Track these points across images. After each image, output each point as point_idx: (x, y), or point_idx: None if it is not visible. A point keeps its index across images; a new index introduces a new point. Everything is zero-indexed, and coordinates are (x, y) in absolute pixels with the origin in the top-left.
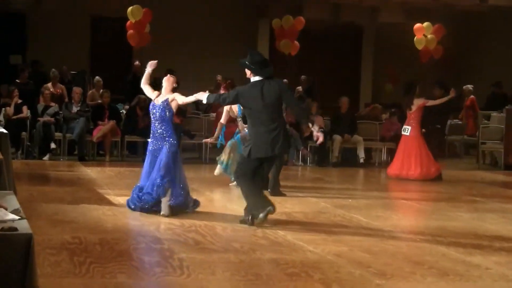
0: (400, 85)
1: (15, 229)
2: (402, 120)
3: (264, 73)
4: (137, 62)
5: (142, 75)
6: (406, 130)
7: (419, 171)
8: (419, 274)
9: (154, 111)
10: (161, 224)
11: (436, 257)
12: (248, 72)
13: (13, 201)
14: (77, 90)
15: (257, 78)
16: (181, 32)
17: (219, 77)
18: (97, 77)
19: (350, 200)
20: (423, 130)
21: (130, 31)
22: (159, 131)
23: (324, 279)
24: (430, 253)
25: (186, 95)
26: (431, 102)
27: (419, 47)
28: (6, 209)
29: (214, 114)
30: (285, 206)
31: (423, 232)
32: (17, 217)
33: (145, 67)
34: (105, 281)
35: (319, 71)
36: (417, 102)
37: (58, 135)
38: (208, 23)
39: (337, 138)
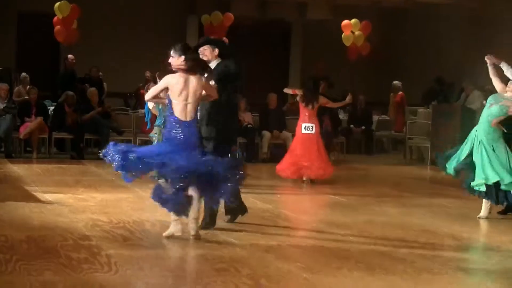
0: (305, 80)
1: None
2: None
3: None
4: (70, 56)
5: (74, 70)
6: (311, 128)
7: (322, 170)
8: (346, 269)
9: None
10: (89, 221)
11: (363, 251)
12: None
13: None
14: (3, 86)
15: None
16: (110, 29)
17: (147, 74)
18: (23, 74)
19: (278, 196)
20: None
21: (58, 27)
22: None
23: (252, 274)
24: (358, 248)
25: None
26: (331, 104)
27: (347, 43)
28: None
29: (142, 111)
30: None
31: (351, 227)
32: None
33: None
34: (31, 278)
35: (247, 67)
36: (321, 101)
37: None
38: (137, 19)
39: (266, 134)
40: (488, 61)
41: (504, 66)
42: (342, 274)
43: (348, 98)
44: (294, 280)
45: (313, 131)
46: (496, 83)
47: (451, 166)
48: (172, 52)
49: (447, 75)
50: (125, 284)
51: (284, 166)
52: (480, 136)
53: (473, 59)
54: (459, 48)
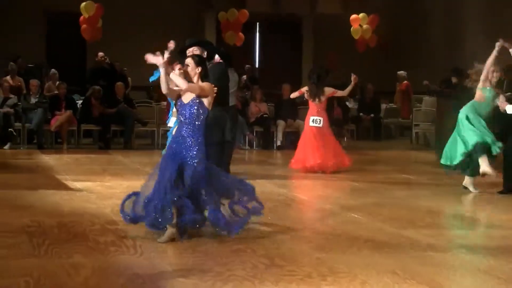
0: (309, 74)
1: None
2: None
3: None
4: (100, 53)
5: (104, 65)
6: (319, 122)
7: (333, 161)
8: (356, 248)
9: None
10: (115, 207)
11: (372, 231)
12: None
13: None
14: (34, 82)
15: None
16: (131, 26)
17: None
18: (53, 70)
19: (293, 181)
20: None
21: (84, 26)
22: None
23: (268, 254)
24: (367, 228)
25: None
26: (339, 93)
27: (356, 36)
28: None
29: (165, 103)
30: None
31: (360, 209)
32: None
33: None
34: (62, 261)
35: (262, 60)
36: (327, 92)
37: (17, 125)
38: (157, 16)
39: (281, 123)
40: (498, 45)
41: None
42: (352, 253)
43: (353, 78)
44: (307, 259)
45: (321, 124)
46: (485, 71)
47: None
48: (188, 61)
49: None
50: (149, 265)
51: (295, 160)
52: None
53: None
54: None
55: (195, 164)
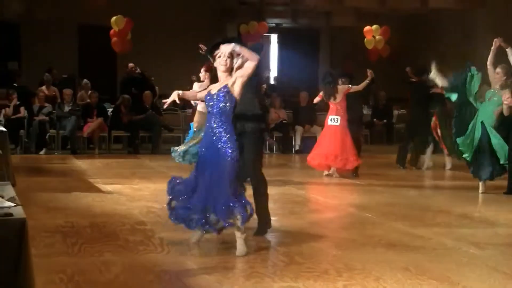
0: (322, 77)
1: (11, 214)
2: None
3: None
4: (131, 64)
5: (134, 75)
6: (336, 120)
7: (351, 161)
8: (370, 246)
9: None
10: (144, 208)
11: (386, 230)
12: None
13: (9, 191)
14: (67, 91)
15: None
16: (158, 39)
17: (193, 77)
18: (85, 80)
19: (310, 183)
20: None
21: (114, 39)
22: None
23: (288, 252)
24: (381, 227)
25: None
26: (354, 88)
27: (369, 47)
28: (2, 197)
29: (190, 110)
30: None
31: (374, 209)
32: (12, 204)
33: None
34: (94, 259)
35: (280, 70)
36: (342, 90)
37: (52, 132)
38: (182, 28)
39: (299, 128)
40: (495, 44)
41: (509, 51)
42: (366, 250)
43: (369, 73)
44: (324, 257)
45: (338, 123)
46: (491, 71)
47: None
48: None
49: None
50: (176, 262)
51: (312, 157)
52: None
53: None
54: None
55: (228, 153)
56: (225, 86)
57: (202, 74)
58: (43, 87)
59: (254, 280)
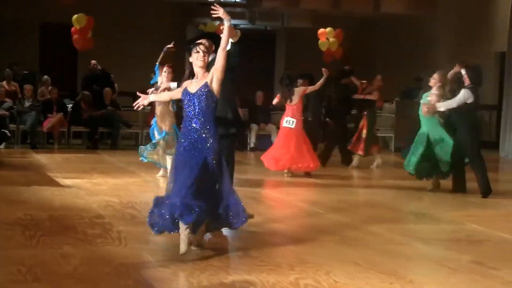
0: (280, 79)
1: None
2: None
3: None
4: (93, 61)
5: (96, 72)
6: (291, 123)
7: (307, 164)
8: (323, 241)
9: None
10: (102, 202)
11: (338, 226)
12: None
13: None
14: (28, 87)
15: None
16: (119, 36)
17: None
18: (45, 76)
19: (265, 180)
20: (327, 119)
21: (75, 36)
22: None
23: (242, 246)
24: (333, 223)
25: (124, 91)
26: (310, 88)
27: (323, 49)
28: None
29: (149, 107)
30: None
31: (327, 205)
32: None
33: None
34: (53, 251)
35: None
36: (298, 92)
37: (12, 126)
38: (143, 28)
39: (254, 126)
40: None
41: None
42: (319, 245)
43: (324, 71)
44: (278, 251)
45: (293, 126)
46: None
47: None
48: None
49: (410, 75)
50: (133, 255)
51: (266, 157)
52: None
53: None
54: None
55: (211, 156)
56: (205, 85)
57: (165, 73)
58: (4, 82)
59: (208, 273)
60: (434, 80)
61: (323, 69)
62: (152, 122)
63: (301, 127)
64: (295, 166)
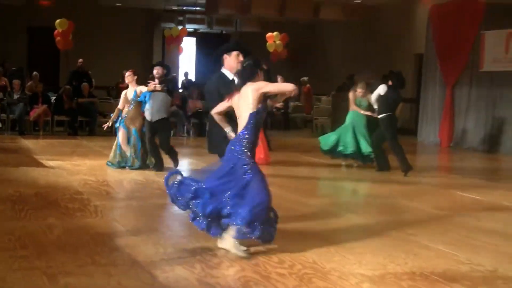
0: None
1: None
2: None
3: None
4: (80, 60)
5: (83, 70)
6: None
7: (263, 156)
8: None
9: None
10: (81, 181)
11: (282, 200)
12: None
13: None
14: (16, 82)
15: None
16: (96, 38)
17: (124, 72)
18: (35, 72)
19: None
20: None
21: (58, 38)
22: None
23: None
24: (279, 198)
25: (100, 86)
26: None
27: (271, 50)
28: None
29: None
30: (172, 165)
31: (273, 183)
32: None
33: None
34: (38, 223)
35: (198, 67)
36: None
37: (3, 116)
38: (116, 31)
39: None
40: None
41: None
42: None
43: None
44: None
45: None
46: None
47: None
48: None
49: (344, 73)
50: (108, 226)
51: None
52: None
53: (362, 63)
54: (357, 56)
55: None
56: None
57: (129, 76)
58: None
59: (173, 241)
60: (362, 92)
61: (280, 77)
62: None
63: None
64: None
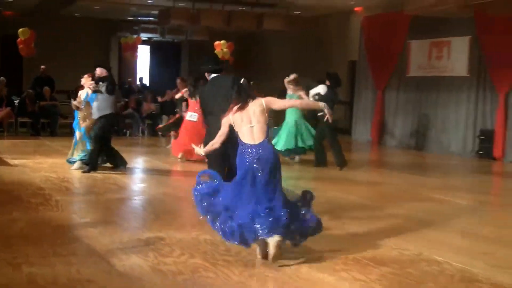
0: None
1: None
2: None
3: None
4: (43, 66)
5: (46, 75)
6: (193, 117)
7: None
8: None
9: None
10: (43, 177)
11: None
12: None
13: None
14: None
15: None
16: (57, 45)
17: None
18: (1, 78)
19: (171, 159)
20: None
21: (21, 46)
22: None
23: (154, 211)
24: None
25: (61, 90)
26: None
27: (219, 57)
28: None
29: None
30: (128, 163)
31: None
32: None
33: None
34: (4, 217)
35: (152, 73)
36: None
37: None
38: (75, 39)
39: (164, 117)
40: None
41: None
42: None
43: None
44: (182, 213)
45: (196, 119)
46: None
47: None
48: None
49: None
50: (68, 219)
51: (173, 147)
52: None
53: (302, 67)
54: (298, 62)
55: None
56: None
57: (83, 78)
58: None
59: (128, 232)
60: (292, 87)
61: None
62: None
63: (201, 121)
64: (191, 156)
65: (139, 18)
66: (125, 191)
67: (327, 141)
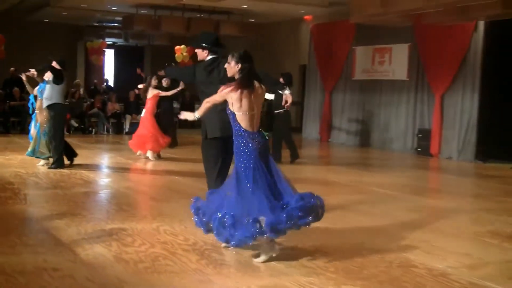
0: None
1: None
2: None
3: (219, 51)
4: (12, 68)
5: (16, 76)
6: (142, 113)
7: (152, 144)
8: (176, 198)
9: None
10: (13, 173)
11: (188, 186)
12: (201, 52)
13: None
14: None
15: (210, 56)
16: (26, 48)
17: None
18: None
19: (134, 154)
20: (158, 110)
21: None
22: None
23: (117, 202)
24: (184, 184)
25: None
26: (163, 93)
27: (179, 60)
28: None
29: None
30: (94, 159)
31: (180, 173)
32: None
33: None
34: None
35: (116, 75)
36: (152, 92)
37: None
38: (43, 43)
39: (128, 116)
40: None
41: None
42: (174, 201)
43: (181, 84)
44: (144, 206)
45: (143, 115)
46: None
47: None
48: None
49: None
50: (36, 211)
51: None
52: None
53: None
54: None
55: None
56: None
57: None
58: None
59: (93, 223)
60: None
61: (181, 83)
62: (33, 116)
63: (151, 115)
64: (152, 146)
65: (104, 24)
66: (90, 185)
67: (282, 136)
